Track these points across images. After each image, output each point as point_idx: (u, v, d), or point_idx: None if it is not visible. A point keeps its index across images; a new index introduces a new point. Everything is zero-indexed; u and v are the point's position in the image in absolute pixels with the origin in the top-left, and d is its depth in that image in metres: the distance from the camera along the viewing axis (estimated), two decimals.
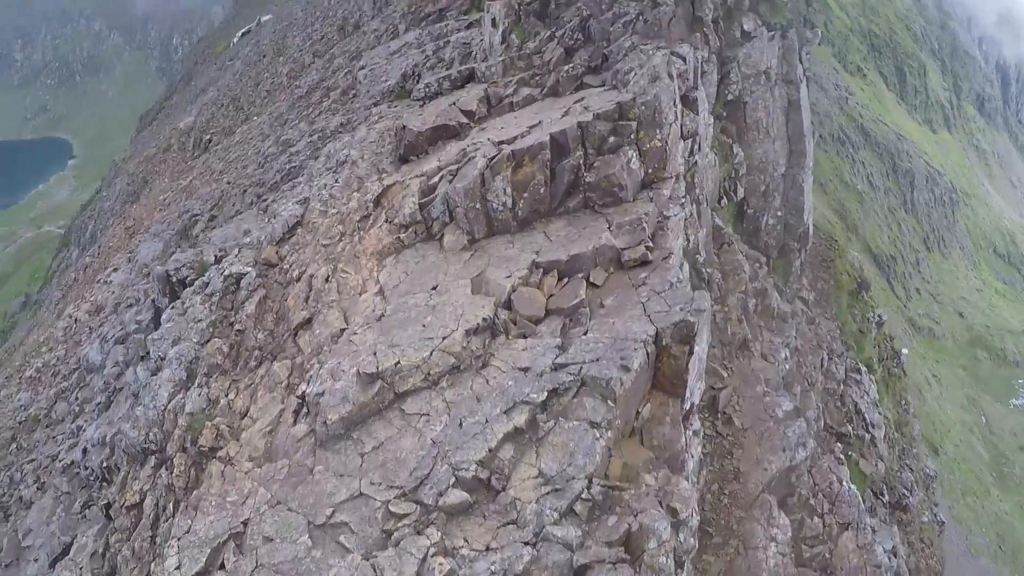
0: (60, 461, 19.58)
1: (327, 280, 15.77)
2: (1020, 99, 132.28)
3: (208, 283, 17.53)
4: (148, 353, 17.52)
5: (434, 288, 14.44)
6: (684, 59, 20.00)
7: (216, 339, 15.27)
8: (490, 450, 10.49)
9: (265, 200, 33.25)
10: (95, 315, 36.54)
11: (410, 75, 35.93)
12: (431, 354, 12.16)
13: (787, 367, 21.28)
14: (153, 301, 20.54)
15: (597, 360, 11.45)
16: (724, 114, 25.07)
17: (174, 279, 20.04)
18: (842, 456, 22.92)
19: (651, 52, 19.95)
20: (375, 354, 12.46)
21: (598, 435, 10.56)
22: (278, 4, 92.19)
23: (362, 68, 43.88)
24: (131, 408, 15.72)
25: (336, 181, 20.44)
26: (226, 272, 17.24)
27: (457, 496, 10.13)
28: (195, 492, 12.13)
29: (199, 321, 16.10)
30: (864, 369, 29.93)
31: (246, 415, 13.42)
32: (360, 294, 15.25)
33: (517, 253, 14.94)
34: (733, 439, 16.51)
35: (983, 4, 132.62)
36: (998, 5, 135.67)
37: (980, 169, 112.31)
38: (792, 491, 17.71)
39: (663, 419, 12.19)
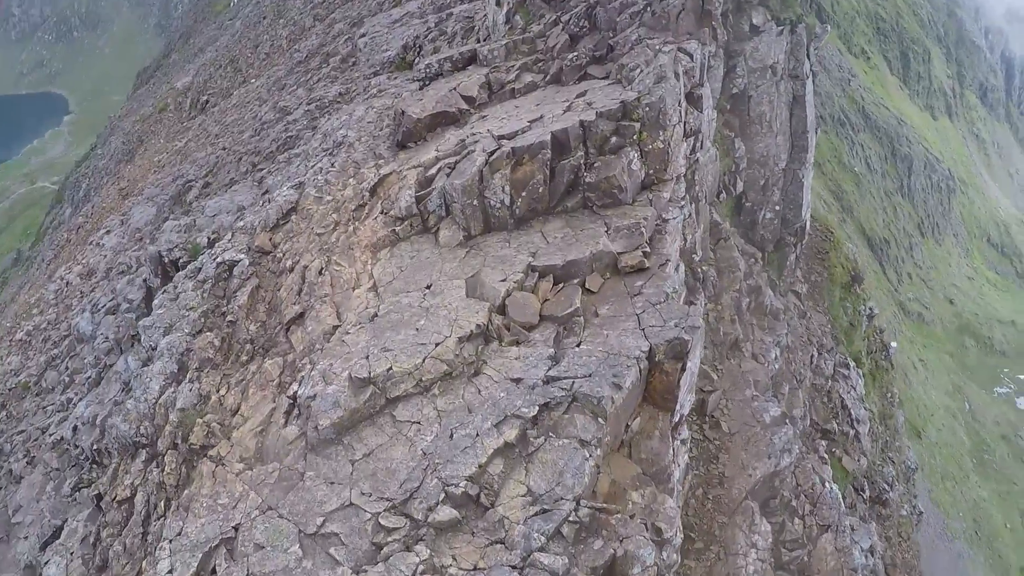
0: (51, 435, 19.60)
1: (320, 273, 15.70)
2: (1023, 92, 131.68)
3: (201, 268, 17.44)
4: (139, 336, 17.50)
5: (428, 287, 14.39)
6: (691, 56, 19.79)
7: (207, 332, 15.22)
8: (480, 465, 10.54)
9: (261, 170, 33.08)
10: (87, 279, 36.48)
11: (411, 47, 35.61)
12: (424, 361, 12.16)
13: (777, 367, 21.40)
14: (145, 280, 20.45)
15: (589, 376, 11.47)
16: (728, 107, 24.91)
17: (167, 260, 19.95)
18: (826, 455, 23.13)
19: (658, 48, 19.73)
20: (367, 358, 12.45)
21: (587, 455, 10.62)
22: None
23: (363, 36, 43.44)
24: (122, 396, 15.73)
25: (332, 165, 20.26)
26: (219, 259, 17.14)
27: (447, 513, 10.18)
28: (186, 492, 12.17)
29: (191, 309, 16.03)
30: (852, 364, 30.11)
31: (237, 412, 13.42)
32: (353, 289, 15.20)
33: (513, 254, 14.88)
34: (720, 443, 16.64)
35: None
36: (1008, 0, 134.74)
37: (979, 158, 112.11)
38: (775, 493, 17.89)
39: (652, 433, 12.25)
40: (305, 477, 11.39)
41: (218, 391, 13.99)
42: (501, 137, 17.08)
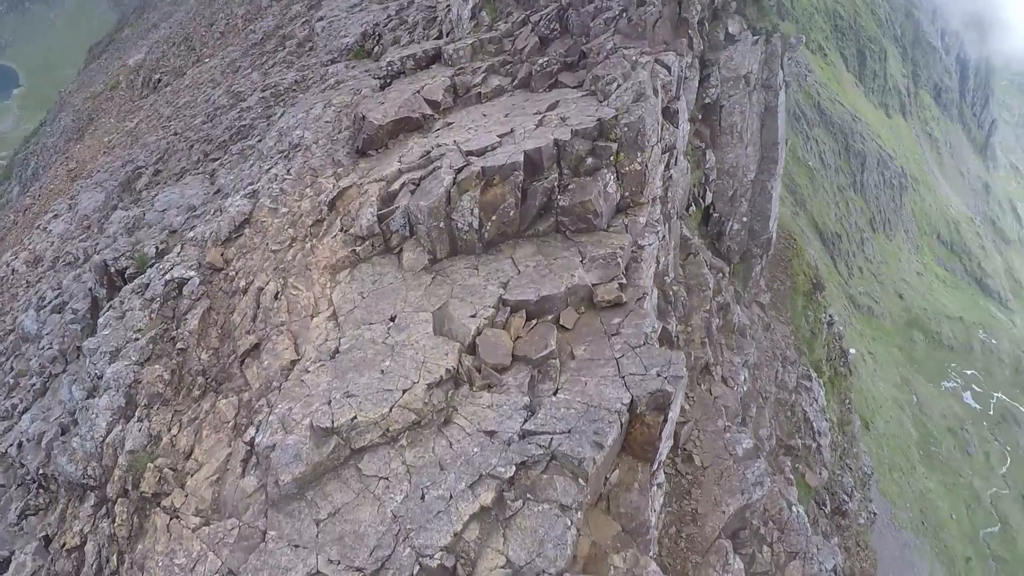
0: None
1: (276, 297, 14.72)
2: (977, 94, 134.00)
3: (148, 284, 16.31)
4: (82, 352, 16.39)
5: (393, 319, 13.52)
6: (669, 69, 19.09)
7: (156, 364, 14.14)
8: (455, 533, 9.77)
9: (213, 160, 31.95)
10: (33, 267, 35.10)
11: (370, 34, 34.49)
12: (391, 410, 11.32)
13: (745, 388, 20.99)
14: (91, 289, 19.19)
15: (568, 432, 10.75)
16: (699, 117, 24.29)
17: (112, 269, 18.73)
18: (791, 475, 22.87)
19: (635, 59, 18.97)
20: (330, 403, 11.58)
21: (569, 522, 9.91)
22: None
23: (320, 19, 42.16)
24: (68, 419, 14.63)
25: (288, 172, 19.18)
26: (167, 275, 16.04)
27: None
28: (140, 546, 11.23)
29: (138, 332, 14.94)
30: (814, 375, 30.01)
31: (191, 456, 12.45)
32: (312, 316, 14.25)
33: (483, 283, 14.06)
34: (692, 478, 16.11)
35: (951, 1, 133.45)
36: (965, 5, 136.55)
37: (931, 157, 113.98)
38: (745, 524, 17.48)
39: (631, 485, 11.61)
40: (267, 537, 10.51)
41: (169, 430, 12.98)
42: (469, 153, 16.20)
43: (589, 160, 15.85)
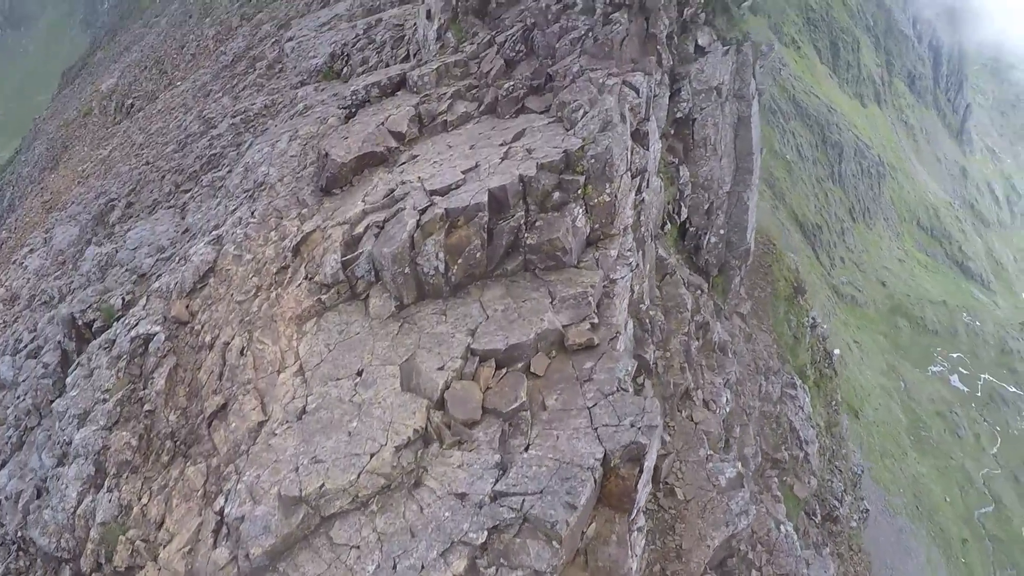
0: None
1: (242, 353, 14.43)
2: (951, 80, 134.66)
3: (115, 340, 16.00)
4: (52, 409, 16.10)
5: (359, 374, 13.24)
6: (637, 91, 18.83)
7: (123, 429, 13.82)
8: None
9: (184, 192, 31.92)
10: (9, 305, 34.92)
11: (339, 55, 34.41)
12: (358, 476, 11.07)
13: (728, 409, 20.80)
14: (59, 343, 18.84)
15: (540, 493, 10.51)
16: (671, 132, 24.03)
17: (80, 322, 18.40)
18: (779, 492, 22.71)
19: (602, 82, 18.70)
20: (297, 470, 11.32)
21: None
22: None
23: (290, 40, 41.95)
24: (41, 483, 14.31)
25: (252, 214, 18.86)
26: (133, 331, 15.72)
27: None
28: None
29: (106, 392, 14.63)
30: (799, 382, 29.88)
31: (162, 526, 12.18)
32: (278, 372, 13.96)
33: (451, 331, 13.79)
34: (675, 512, 15.88)
35: None
36: None
37: (908, 144, 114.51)
38: (732, 552, 17.28)
39: (608, 538, 11.39)
40: None
41: (140, 499, 12.71)
42: (433, 192, 15.92)
43: (556, 195, 15.58)
